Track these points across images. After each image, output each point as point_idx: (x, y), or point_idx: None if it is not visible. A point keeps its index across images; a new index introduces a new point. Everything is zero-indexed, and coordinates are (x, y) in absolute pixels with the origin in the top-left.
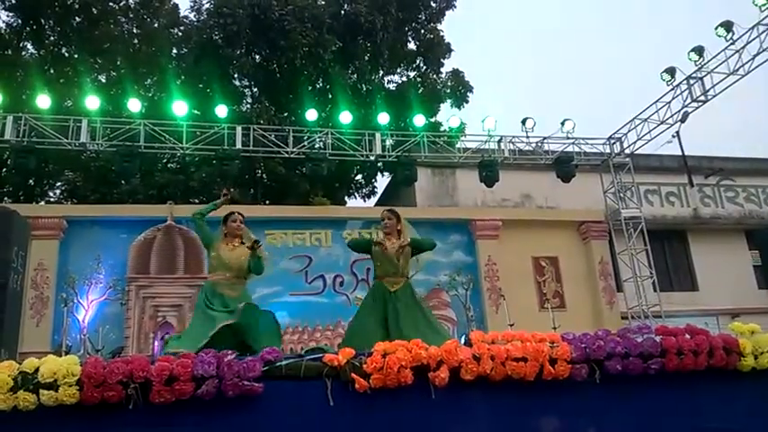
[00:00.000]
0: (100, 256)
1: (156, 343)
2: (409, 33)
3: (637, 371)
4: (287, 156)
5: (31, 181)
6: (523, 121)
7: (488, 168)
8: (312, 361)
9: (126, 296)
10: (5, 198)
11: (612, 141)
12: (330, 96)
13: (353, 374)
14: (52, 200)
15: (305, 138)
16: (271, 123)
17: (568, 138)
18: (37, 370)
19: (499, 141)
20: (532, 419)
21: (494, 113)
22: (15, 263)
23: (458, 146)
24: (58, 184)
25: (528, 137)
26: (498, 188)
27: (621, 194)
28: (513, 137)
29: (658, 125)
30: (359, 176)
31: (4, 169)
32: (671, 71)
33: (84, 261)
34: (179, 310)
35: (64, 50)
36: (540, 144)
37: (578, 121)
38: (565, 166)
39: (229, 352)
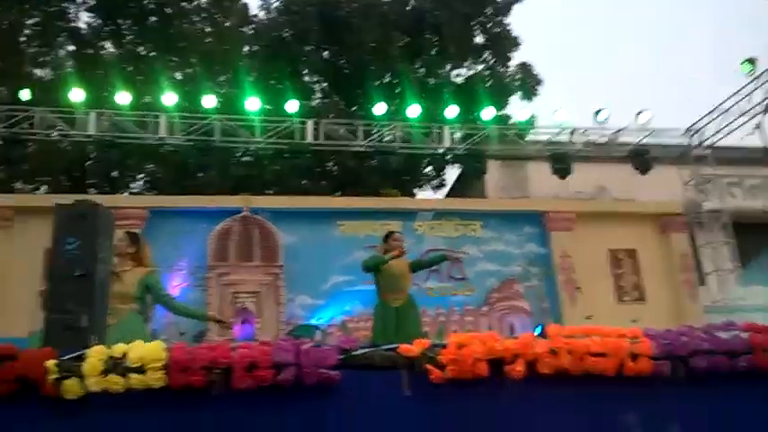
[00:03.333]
0: (180, 246)
1: (235, 327)
2: (476, 27)
3: (723, 368)
4: (357, 149)
5: (114, 173)
6: (596, 113)
7: (561, 161)
8: (387, 351)
9: (207, 283)
10: (91, 189)
11: (691, 133)
12: (398, 90)
13: (428, 365)
14: (135, 191)
15: (374, 131)
16: (340, 117)
17: (644, 129)
18: (125, 355)
19: (571, 133)
20: (611, 416)
21: (565, 105)
22: (102, 253)
23: (528, 138)
24: (140, 176)
25: (602, 128)
26: (571, 180)
27: (702, 187)
28: (586, 129)
29: (739, 116)
30: (428, 169)
31: (89, 162)
32: (752, 61)
33: (166, 250)
34: (257, 296)
35: (141, 49)
36: (614, 136)
37: (655, 113)
38: (641, 159)
39: (307, 340)
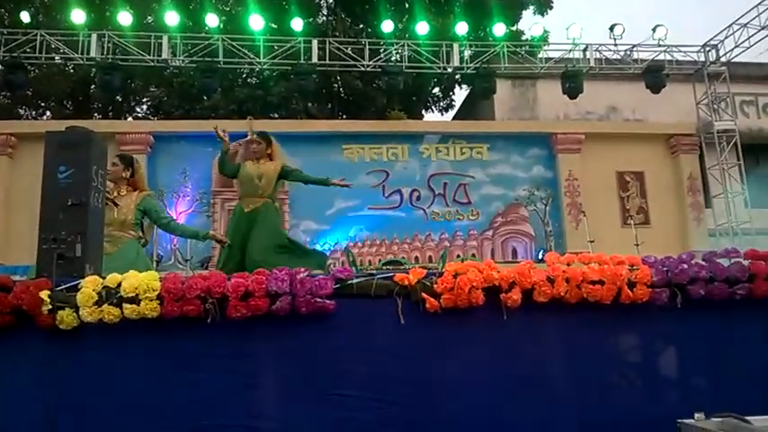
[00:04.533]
0: (186, 170)
1: None
2: None
3: (721, 296)
4: (363, 69)
5: (118, 98)
6: (611, 28)
7: (572, 79)
8: (383, 279)
9: (212, 208)
10: (95, 114)
11: (708, 49)
12: (407, 6)
13: (424, 294)
14: (139, 115)
15: (381, 50)
16: (347, 36)
17: (660, 45)
18: (119, 285)
19: (584, 50)
20: (608, 343)
21: (579, 20)
22: (95, 181)
23: (540, 56)
24: (144, 99)
25: (616, 45)
26: (582, 100)
27: (715, 106)
28: (600, 45)
29: (759, 30)
30: (436, 89)
31: (92, 86)
32: None
33: (171, 175)
34: None
35: None
36: (628, 52)
37: (671, 28)
38: (655, 76)
39: (302, 270)
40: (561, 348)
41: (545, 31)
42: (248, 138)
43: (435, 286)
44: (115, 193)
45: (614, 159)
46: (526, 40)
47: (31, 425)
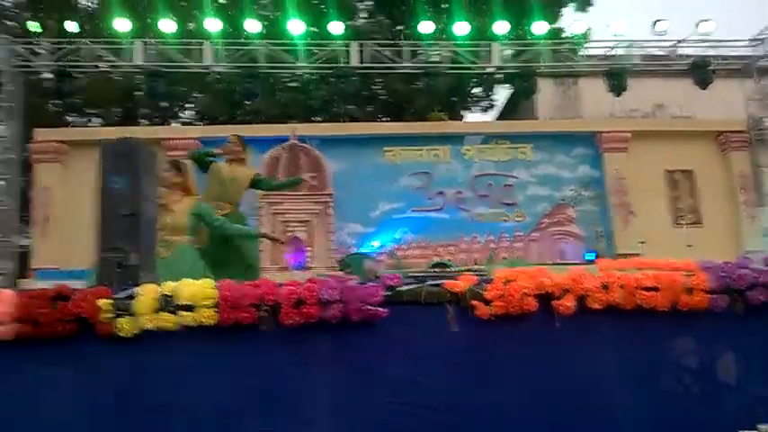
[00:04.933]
0: None
1: (287, 256)
2: None
3: None
4: (403, 71)
5: (163, 103)
6: (654, 24)
7: (616, 77)
8: (432, 287)
9: (258, 212)
10: (142, 120)
11: (756, 43)
12: (446, 6)
13: (474, 301)
14: (185, 120)
15: (421, 51)
16: (386, 38)
17: (706, 40)
18: (176, 293)
19: (628, 47)
20: (664, 351)
21: (621, 16)
22: (148, 191)
23: (581, 53)
24: (189, 105)
25: (660, 41)
26: (627, 97)
27: (766, 101)
28: (644, 41)
29: None
30: (477, 89)
31: (138, 93)
32: None
33: None
34: (307, 225)
35: None
36: (673, 48)
37: (717, 22)
38: (702, 72)
39: (352, 277)
40: (616, 356)
41: (587, 29)
42: (290, 142)
43: (486, 293)
44: (168, 199)
45: (662, 158)
46: (567, 37)
47: (91, 428)
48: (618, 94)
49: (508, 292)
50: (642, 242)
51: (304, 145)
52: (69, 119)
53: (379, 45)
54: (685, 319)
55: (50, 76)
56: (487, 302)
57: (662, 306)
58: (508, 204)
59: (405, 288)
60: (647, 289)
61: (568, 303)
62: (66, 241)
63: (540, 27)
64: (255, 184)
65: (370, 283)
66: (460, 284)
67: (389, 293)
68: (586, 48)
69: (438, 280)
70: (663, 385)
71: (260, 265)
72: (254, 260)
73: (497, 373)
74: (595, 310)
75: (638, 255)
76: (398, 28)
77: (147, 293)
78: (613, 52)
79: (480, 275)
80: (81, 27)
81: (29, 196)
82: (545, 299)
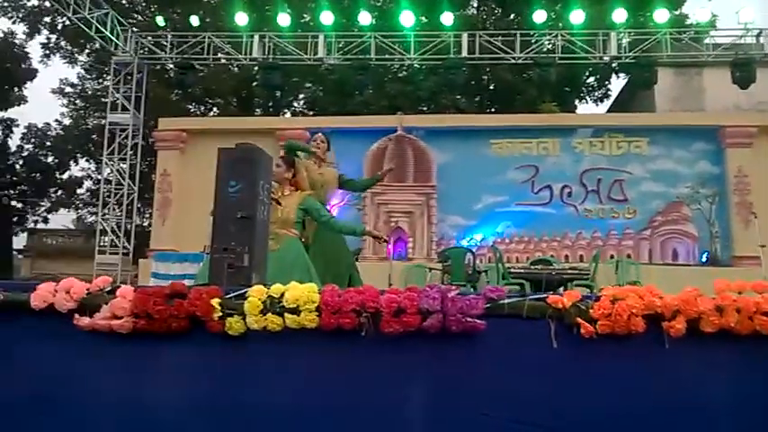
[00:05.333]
0: (339, 164)
1: (389, 247)
2: None
3: None
4: (514, 61)
5: (277, 94)
6: None
7: (743, 67)
8: (535, 301)
9: (362, 202)
10: (257, 110)
11: None
12: None
13: (579, 319)
14: (296, 110)
15: (533, 41)
16: (497, 27)
17: None
18: (282, 295)
19: (758, 36)
20: None
21: (750, 3)
22: (262, 195)
23: (706, 42)
24: (301, 96)
25: None
26: (754, 89)
27: None
28: None
29: None
30: (591, 79)
31: (254, 84)
32: None
33: None
34: (410, 216)
35: None
36: None
37: None
38: None
39: (453, 287)
40: (729, 382)
41: (713, 16)
42: (398, 133)
43: (591, 311)
44: (279, 194)
45: None
46: (691, 25)
47: (199, 421)
48: (744, 87)
49: (615, 311)
50: (763, 245)
51: (410, 136)
52: (190, 108)
53: (490, 35)
54: None
55: (174, 67)
56: (592, 321)
57: None
58: (618, 200)
59: (507, 301)
60: (767, 314)
61: (679, 325)
62: (183, 225)
63: (661, 15)
64: (343, 185)
65: (472, 295)
66: (564, 300)
67: (490, 306)
68: (712, 36)
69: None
70: None
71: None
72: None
73: (598, 394)
74: (708, 333)
75: (757, 258)
76: (510, 18)
77: (255, 294)
78: (741, 41)
79: (583, 274)
80: (203, 21)
81: (152, 180)
82: (654, 319)
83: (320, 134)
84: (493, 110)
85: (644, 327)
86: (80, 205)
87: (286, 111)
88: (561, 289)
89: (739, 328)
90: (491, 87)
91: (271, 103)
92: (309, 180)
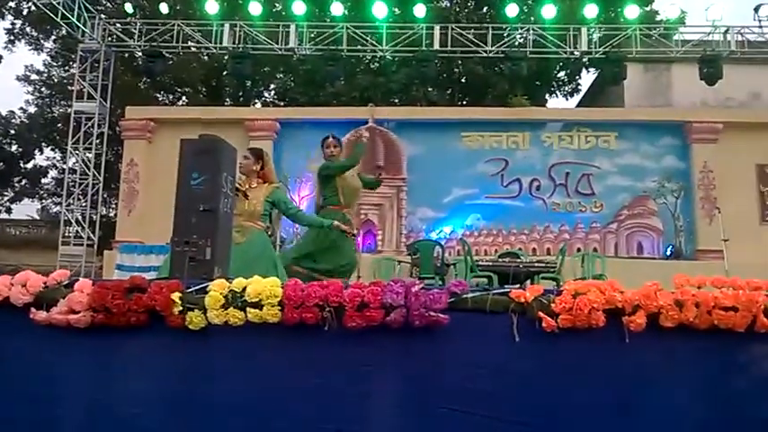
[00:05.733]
0: (309, 156)
1: (358, 239)
2: None
3: None
4: (486, 55)
5: (247, 83)
6: (756, 9)
7: (710, 64)
8: (498, 295)
9: None
10: (226, 100)
11: None
12: None
13: (541, 313)
14: (267, 101)
15: (505, 35)
16: (469, 20)
17: None
18: (245, 289)
19: (725, 33)
20: (739, 372)
21: (720, 0)
22: (225, 187)
23: (675, 38)
24: (271, 86)
25: (761, 27)
26: (721, 86)
27: None
28: (743, 27)
29: None
30: (561, 74)
31: (224, 73)
32: None
33: (294, 160)
34: (380, 208)
35: None
36: None
37: None
38: None
39: (417, 282)
40: (687, 376)
41: (682, 13)
42: (369, 125)
43: (553, 305)
44: (246, 186)
45: (755, 151)
46: (660, 21)
47: (158, 417)
48: (711, 83)
49: (577, 305)
50: (726, 240)
51: (381, 128)
52: (158, 97)
53: (462, 28)
54: (763, 342)
55: (142, 55)
56: (554, 315)
57: (739, 327)
58: (586, 194)
59: (470, 295)
60: (725, 309)
61: (639, 320)
62: (149, 216)
63: (632, 11)
64: (365, 186)
65: (436, 290)
66: (527, 295)
67: (454, 300)
68: (681, 33)
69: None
70: (735, 408)
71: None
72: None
73: (560, 387)
74: (668, 328)
75: (720, 252)
76: (482, 11)
77: (216, 289)
78: (709, 38)
79: (550, 267)
80: (172, 8)
81: (118, 170)
82: (615, 314)
83: (331, 139)
84: (464, 103)
85: (605, 321)
86: (44, 195)
87: (256, 101)
88: (528, 282)
89: (698, 322)
90: (462, 80)
91: (241, 93)
92: (351, 188)
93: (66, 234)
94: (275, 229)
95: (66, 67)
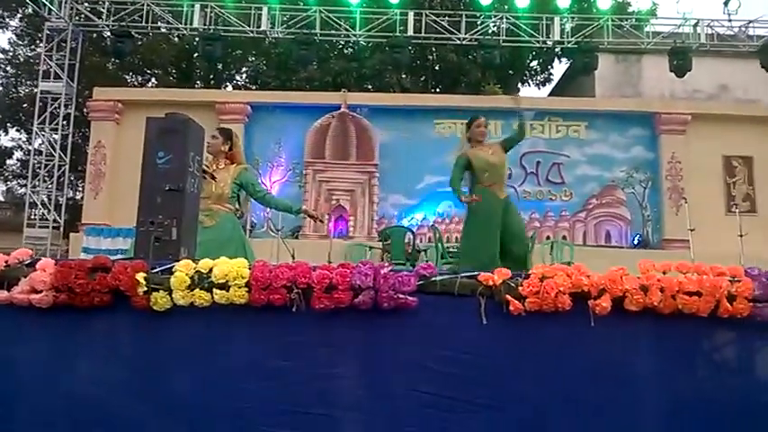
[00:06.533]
0: (280, 140)
1: (330, 225)
2: None
3: None
4: (459, 42)
5: (218, 66)
6: (726, 3)
7: (680, 56)
8: (467, 279)
9: (303, 179)
10: (197, 82)
11: None
12: None
13: (508, 296)
14: (238, 84)
15: (479, 23)
16: (444, 7)
17: None
18: (211, 270)
19: (695, 25)
20: (702, 356)
21: None
22: (192, 167)
23: (647, 30)
24: (243, 69)
25: (730, 20)
26: (690, 78)
27: None
28: (713, 20)
29: None
30: (534, 63)
31: (195, 55)
32: None
33: (266, 144)
34: (351, 194)
35: None
36: (743, 29)
37: None
38: None
39: (386, 264)
40: (651, 359)
41: (653, 4)
42: (342, 111)
43: (521, 288)
44: (214, 167)
45: (721, 142)
46: (632, 12)
47: (121, 399)
48: (681, 75)
49: (544, 289)
50: (692, 229)
51: (354, 114)
52: (127, 79)
53: (436, 15)
54: (725, 327)
55: (111, 35)
56: (521, 298)
57: (702, 312)
58: (556, 183)
59: (438, 278)
60: (689, 294)
61: (605, 304)
62: (117, 199)
63: (604, 2)
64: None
65: (404, 272)
66: (495, 278)
67: (422, 283)
68: (652, 24)
69: None
70: (698, 392)
71: None
72: None
73: (526, 369)
74: (633, 312)
75: (686, 241)
76: None
77: (182, 269)
78: (679, 30)
79: None
80: None
81: (85, 152)
82: (582, 297)
83: (482, 118)
84: (437, 90)
85: (571, 304)
86: (9, 177)
87: (227, 84)
88: None
89: (662, 306)
90: (436, 67)
91: (212, 76)
92: (488, 164)
93: (32, 216)
94: (244, 210)
95: (33, 47)
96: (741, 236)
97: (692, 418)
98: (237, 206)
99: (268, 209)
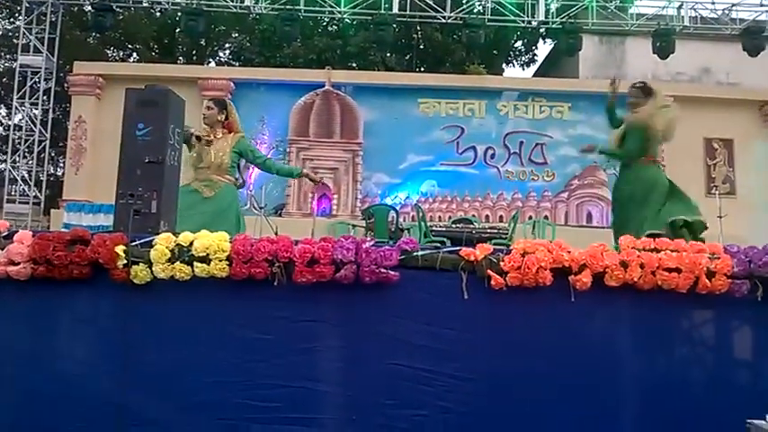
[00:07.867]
0: (264, 118)
1: (314, 202)
2: None
3: None
4: (444, 21)
5: (201, 42)
6: None
7: (663, 38)
8: (448, 254)
9: (287, 157)
10: (180, 58)
11: None
12: None
13: (490, 271)
14: (222, 60)
15: (464, 1)
16: None
17: (762, 5)
18: (191, 243)
19: (679, 8)
20: (679, 333)
21: None
22: (172, 139)
23: (631, 11)
24: (226, 45)
25: (714, 3)
26: (673, 60)
27: None
28: (696, 3)
29: None
30: (519, 43)
31: (177, 30)
32: None
33: (249, 122)
34: (335, 172)
35: None
36: (726, 12)
37: None
38: (753, 38)
39: (368, 239)
40: (630, 335)
41: None
42: (326, 88)
43: (502, 264)
44: (211, 136)
45: (703, 125)
46: None
47: (102, 373)
48: (664, 57)
49: (525, 264)
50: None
51: (338, 92)
52: (108, 53)
53: None
54: (704, 303)
55: (92, 8)
56: (503, 273)
57: (681, 288)
58: (539, 163)
59: (420, 253)
60: (668, 270)
61: (585, 279)
62: (98, 175)
63: None
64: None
65: (387, 246)
66: (477, 253)
67: (404, 257)
68: (636, 6)
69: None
70: (675, 368)
71: None
72: None
73: (507, 344)
74: (612, 287)
75: None
76: None
77: (162, 242)
78: (663, 12)
79: (502, 233)
80: None
81: (66, 127)
82: (562, 273)
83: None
84: (421, 69)
85: (551, 280)
86: None
87: (210, 60)
88: None
89: (642, 282)
90: (421, 46)
91: (195, 52)
92: (646, 125)
93: (12, 192)
94: (243, 179)
95: (12, 20)
96: (720, 217)
97: (670, 391)
98: (238, 175)
99: (251, 186)
